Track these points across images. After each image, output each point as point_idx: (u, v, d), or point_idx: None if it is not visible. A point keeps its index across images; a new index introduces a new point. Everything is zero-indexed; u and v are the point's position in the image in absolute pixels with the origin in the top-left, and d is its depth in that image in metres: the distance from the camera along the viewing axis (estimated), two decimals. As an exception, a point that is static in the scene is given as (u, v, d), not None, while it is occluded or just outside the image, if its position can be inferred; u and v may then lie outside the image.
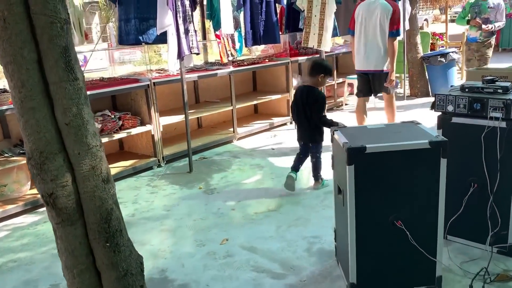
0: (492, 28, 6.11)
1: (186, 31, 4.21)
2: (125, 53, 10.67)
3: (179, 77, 4.39)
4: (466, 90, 2.62)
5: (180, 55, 4.17)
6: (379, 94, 5.07)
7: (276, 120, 6.14)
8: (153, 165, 4.65)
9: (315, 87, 3.69)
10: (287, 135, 5.67)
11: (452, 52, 7.35)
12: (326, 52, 5.96)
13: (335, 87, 7.11)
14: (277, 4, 5.55)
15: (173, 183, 4.22)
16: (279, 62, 6.06)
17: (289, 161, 4.57)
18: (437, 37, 9.76)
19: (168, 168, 4.68)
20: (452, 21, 9.72)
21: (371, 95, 4.94)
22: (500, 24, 6.21)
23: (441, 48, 9.49)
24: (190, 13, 4.25)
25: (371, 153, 2.10)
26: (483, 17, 6.16)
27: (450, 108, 2.61)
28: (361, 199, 2.15)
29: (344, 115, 6.60)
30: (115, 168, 4.46)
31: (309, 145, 3.79)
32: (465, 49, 6.85)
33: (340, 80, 7.19)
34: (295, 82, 6.47)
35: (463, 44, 8.00)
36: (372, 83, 4.73)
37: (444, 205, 2.18)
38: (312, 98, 3.61)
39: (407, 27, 7.20)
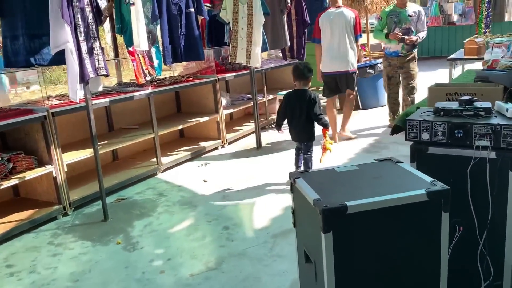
0: (417, 39, 5.36)
1: (90, 49, 3.42)
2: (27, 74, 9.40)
3: (84, 104, 3.57)
4: (442, 113, 2.16)
5: (83, 79, 3.37)
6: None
7: (206, 145, 5.47)
8: (57, 215, 3.75)
9: (308, 89, 3.96)
10: (220, 162, 5.03)
11: (380, 63, 7.22)
12: (255, 68, 5.44)
13: (266, 104, 6.61)
14: (198, 16, 4.90)
15: (84, 237, 3.37)
16: (205, 80, 5.42)
17: (226, 196, 3.94)
18: (360, 48, 9.73)
19: (77, 216, 3.80)
20: (372, 31, 9.79)
21: (337, 94, 5.51)
22: (423, 34, 5.46)
23: (364, 60, 9.46)
24: (94, 27, 3.47)
25: (354, 214, 1.52)
26: (404, 27, 5.39)
27: (425, 136, 2.14)
28: (341, 274, 1.57)
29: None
30: (7, 223, 3.51)
31: (307, 143, 4.00)
32: (384, 64, 5.87)
33: (271, 96, 6.72)
34: (224, 101, 5.86)
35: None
36: (339, 83, 5.28)
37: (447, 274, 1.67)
38: (311, 100, 3.86)
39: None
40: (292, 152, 5.18)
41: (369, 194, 1.60)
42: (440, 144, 2.11)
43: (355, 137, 5.55)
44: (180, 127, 5.25)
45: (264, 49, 5.23)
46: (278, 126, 4.19)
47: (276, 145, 5.58)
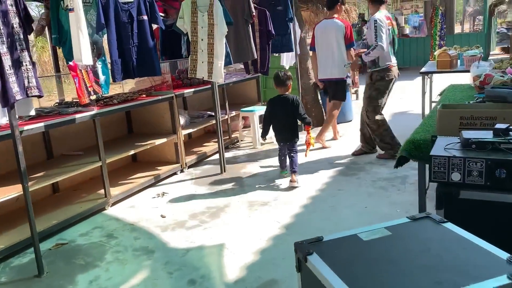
0: (369, 54, 4.60)
1: (16, 64, 2.74)
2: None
3: (9, 131, 2.86)
4: (474, 147, 1.71)
5: (8, 102, 2.67)
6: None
7: (164, 170, 4.83)
8: (-23, 271, 2.99)
9: (289, 94, 4.40)
10: (180, 191, 4.40)
11: (348, 77, 6.88)
12: (217, 83, 4.88)
13: (228, 121, 6.06)
14: (153, 25, 4.29)
15: (10, 302, 2.65)
16: (160, 97, 4.79)
17: (189, 236, 3.33)
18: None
19: (3, 271, 3.05)
20: None
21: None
22: (373, 47, 4.55)
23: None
24: (21, 36, 2.80)
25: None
26: (362, 41, 5.29)
27: (456, 176, 1.67)
28: None
29: (243, 152, 5.58)
30: None
31: (292, 142, 4.35)
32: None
33: (233, 113, 6.18)
34: (182, 120, 5.25)
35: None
36: (329, 89, 5.62)
37: None
38: (294, 103, 4.31)
39: (298, 51, 6.51)
40: (261, 174, 4.66)
41: (426, 285, 1.08)
42: (476, 187, 1.65)
43: (329, 146, 5.61)
44: (132, 152, 4.57)
45: (227, 63, 4.69)
46: (265, 132, 4.51)
47: (242, 167, 5.03)
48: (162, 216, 3.80)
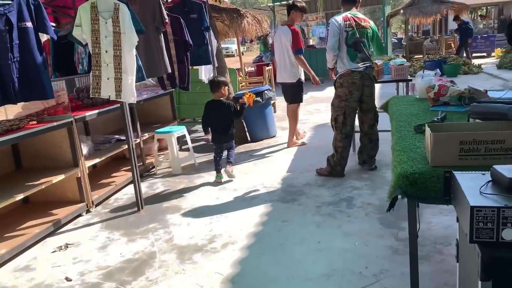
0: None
1: None
2: None
3: None
4: (523, 189, 1.25)
5: None
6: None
7: (65, 213, 3.90)
8: None
9: (223, 99, 4.75)
10: (88, 241, 3.53)
11: (267, 90, 6.46)
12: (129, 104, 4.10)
13: (141, 145, 5.24)
14: (42, 35, 3.40)
15: None
16: (56, 123, 3.87)
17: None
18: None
19: None
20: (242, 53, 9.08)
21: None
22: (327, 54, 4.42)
23: (241, 86, 8.69)
24: None
25: None
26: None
27: (508, 234, 1.20)
28: None
29: (161, 181, 4.81)
30: None
31: (230, 142, 4.79)
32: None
33: (146, 135, 5.38)
34: (85, 148, 4.36)
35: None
36: (284, 93, 5.87)
37: None
38: (230, 107, 4.68)
39: (216, 63, 5.94)
40: (188, 207, 3.98)
41: None
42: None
43: (305, 143, 6.00)
44: (21, 196, 3.58)
45: (139, 78, 3.93)
46: (206, 131, 4.79)
47: (162, 199, 4.29)
48: (67, 279, 2.93)
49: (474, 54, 16.22)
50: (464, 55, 14.39)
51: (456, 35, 15.16)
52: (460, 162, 1.73)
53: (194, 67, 5.80)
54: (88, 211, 4.15)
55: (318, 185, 4.30)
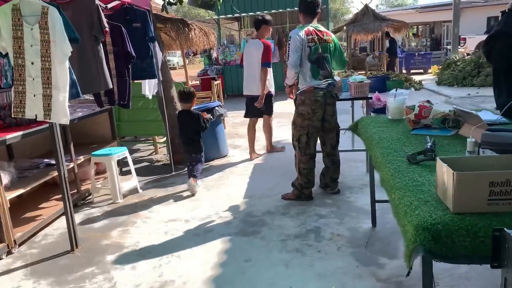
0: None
1: None
2: None
3: None
4: None
5: None
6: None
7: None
8: None
9: (193, 110, 4.86)
10: (10, 286, 2.87)
11: (218, 106, 6.02)
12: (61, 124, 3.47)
13: (75, 169, 4.57)
14: None
15: None
16: (-34, 149, 3.18)
17: None
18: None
19: None
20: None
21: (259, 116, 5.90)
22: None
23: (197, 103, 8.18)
24: None
25: None
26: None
27: None
28: None
29: (99, 211, 4.18)
30: None
31: (197, 155, 4.85)
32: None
33: (81, 158, 4.72)
34: (6, 177, 3.66)
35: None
36: (250, 105, 5.83)
37: None
38: (199, 118, 4.75)
39: (161, 77, 5.42)
40: (132, 245, 3.42)
41: None
42: None
43: (283, 147, 6.14)
44: None
45: (74, 95, 3.33)
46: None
47: (101, 236, 3.68)
48: None
49: (412, 71, 16.85)
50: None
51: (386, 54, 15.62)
52: (490, 208, 1.40)
53: (136, 81, 5.23)
54: (9, 253, 3.45)
55: (280, 213, 3.90)
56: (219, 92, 8.12)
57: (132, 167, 4.82)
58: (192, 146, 4.82)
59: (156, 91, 5.48)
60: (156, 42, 5.12)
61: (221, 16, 13.11)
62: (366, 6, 14.55)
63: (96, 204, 4.54)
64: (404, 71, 16.72)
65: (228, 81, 13.28)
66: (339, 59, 4.21)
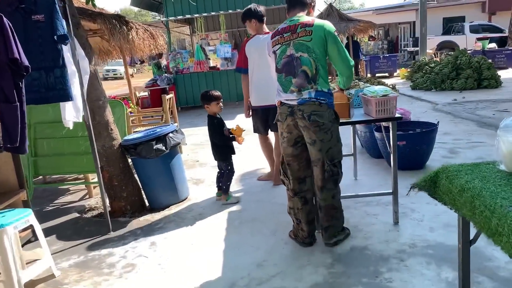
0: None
1: None
2: None
3: None
4: None
5: None
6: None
7: None
8: None
9: (213, 115, 4.23)
10: None
11: (173, 131, 4.36)
12: None
13: None
14: None
15: None
16: None
17: None
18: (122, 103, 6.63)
19: None
20: (105, 79, 6.68)
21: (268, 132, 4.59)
22: None
23: (132, 123, 6.45)
24: None
25: None
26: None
27: None
28: None
29: None
30: None
31: (222, 163, 4.27)
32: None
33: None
34: None
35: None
36: (269, 118, 4.41)
37: None
38: (211, 125, 4.24)
39: (85, 95, 3.72)
40: None
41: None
42: None
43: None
44: None
45: None
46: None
47: None
48: None
49: (377, 74, 15.90)
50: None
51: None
52: None
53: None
54: None
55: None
56: (172, 108, 6.46)
57: (42, 240, 3.09)
58: (213, 152, 4.29)
59: (82, 115, 3.76)
60: (75, 45, 3.43)
61: (170, 18, 11.39)
62: (331, 6, 13.37)
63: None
64: (369, 75, 15.76)
65: (181, 92, 11.60)
66: (336, 58, 2.85)
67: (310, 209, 3.08)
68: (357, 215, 3.56)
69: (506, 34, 17.20)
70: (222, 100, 4.27)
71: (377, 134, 4.75)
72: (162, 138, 4.17)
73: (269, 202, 4.12)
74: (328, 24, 2.82)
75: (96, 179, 4.88)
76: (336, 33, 2.81)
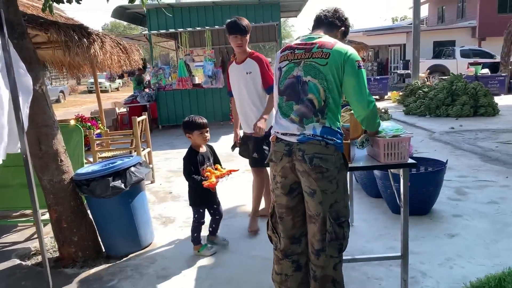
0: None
1: None
2: None
3: None
4: None
5: None
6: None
7: None
8: None
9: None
10: None
11: (136, 164, 3.63)
12: None
13: None
14: None
15: None
16: None
17: None
18: (89, 124, 5.91)
19: None
20: (90, 91, 6.05)
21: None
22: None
23: (112, 149, 5.72)
24: None
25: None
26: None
27: None
28: None
29: None
30: None
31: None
32: None
33: None
34: None
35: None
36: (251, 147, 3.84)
37: None
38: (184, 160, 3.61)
39: (25, 123, 3.00)
40: None
41: None
42: None
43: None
44: None
45: None
46: None
47: None
48: None
49: (368, 97, 15.43)
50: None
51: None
52: None
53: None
54: None
55: None
56: (145, 131, 5.74)
57: None
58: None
59: (17, 147, 3.03)
60: (10, 57, 2.73)
61: (153, 32, 10.75)
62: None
63: None
64: (360, 97, 15.27)
65: (163, 110, 10.90)
66: (350, 94, 2.24)
67: (303, 278, 2.38)
68: (355, 280, 2.87)
69: (498, 60, 16.93)
70: (207, 129, 3.47)
71: (376, 172, 4.11)
72: (121, 173, 3.45)
73: (247, 255, 3.41)
74: (352, 51, 2.18)
75: (44, 216, 4.15)
76: (360, 64, 2.17)
